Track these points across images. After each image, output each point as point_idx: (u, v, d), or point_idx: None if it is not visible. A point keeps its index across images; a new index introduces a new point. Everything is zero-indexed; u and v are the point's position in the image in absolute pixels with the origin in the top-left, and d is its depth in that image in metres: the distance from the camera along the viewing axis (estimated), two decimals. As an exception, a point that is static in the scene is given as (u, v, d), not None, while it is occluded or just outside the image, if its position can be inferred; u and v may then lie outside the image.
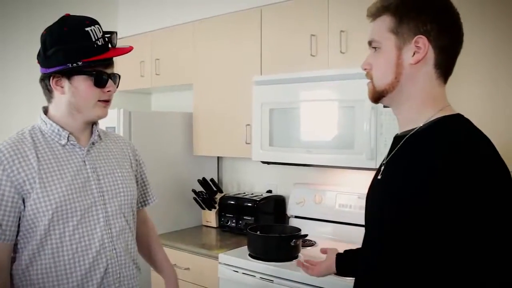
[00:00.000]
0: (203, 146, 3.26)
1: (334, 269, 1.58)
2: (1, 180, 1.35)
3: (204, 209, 3.28)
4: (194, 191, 3.22)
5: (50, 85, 1.43)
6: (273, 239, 2.51)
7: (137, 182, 1.72)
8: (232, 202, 3.11)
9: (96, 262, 1.45)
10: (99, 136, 1.58)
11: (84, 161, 1.49)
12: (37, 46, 1.42)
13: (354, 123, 2.35)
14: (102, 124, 3.13)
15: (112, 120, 2.97)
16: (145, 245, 1.82)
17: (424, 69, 1.09)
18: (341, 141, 2.42)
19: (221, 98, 3.09)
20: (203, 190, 3.23)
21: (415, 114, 1.11)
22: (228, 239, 2.97)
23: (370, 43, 1.16)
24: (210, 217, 3.27)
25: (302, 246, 2.52)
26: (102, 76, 1.44)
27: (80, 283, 1.42)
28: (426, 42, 1.06)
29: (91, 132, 1.55)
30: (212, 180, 3.27)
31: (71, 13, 1.46)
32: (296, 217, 2.97)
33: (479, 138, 1.04)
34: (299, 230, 2.54)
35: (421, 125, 1.10)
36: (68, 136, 1.46)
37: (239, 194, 3.21)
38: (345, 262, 1.55)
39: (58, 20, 1.44)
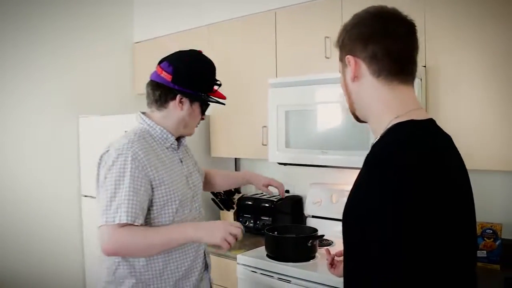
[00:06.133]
0: (221, 148, 3.30)
1: None
2: (143, 176, 1.63)
3: (222, 209, 3.33)
4: (212, 192, 3.27)
5: (171, 98, 1.76)
6: (290, 240, 2.54)
7: None
8: (249, 203, 3.16)
9: (200, 245, 1.85)
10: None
11: (181, 161, 1.84)
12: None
13: (369, 124, 2.36)
14: (123, 129, 3.20)
15: (131, 124, 3.02)
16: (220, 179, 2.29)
17: (364, 81, 1.14)
18: (356, 142, 2.44)
19: (237, 100, 3.13)
20: (221, 191, 3.27)
21: (377, 125, 1.13)
22: (247, 239, 3.00)
23: None
24: (228, 217, 3.32)
25: (319, 246, 2.55)
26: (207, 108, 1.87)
27: (193, 258, 1.81)
28: (352, 59, 1.14)
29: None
30: (229, 181, 3.31)
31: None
32: (313, 216, 3.00)
33: (402, 147, 1.02)
34: (316, 230, 2.57)
35: (379, 137, 1.11)
36: (173, 141, 1.81)
37: (256, 194, 3.25)
38: None
39: (198, 55, 1.84)
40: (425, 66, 2.30)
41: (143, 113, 1.84)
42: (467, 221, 1.11)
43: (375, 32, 1.12)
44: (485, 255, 2.31)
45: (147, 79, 3.77)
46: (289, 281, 2.36)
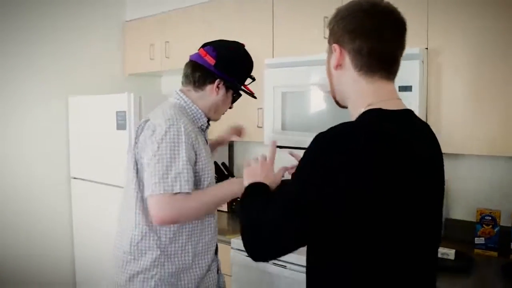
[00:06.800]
0: (215, 130, 3.22)
1: None
2: (191, 148, 1.68)
3: (215, 193, 3.27)
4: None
5: (210, 82, 1.80)
6: (286, 225, 2.49)
7: None
8: (243, 186, 3.09)
9: (217, 225, 1.92)
10: None
11: (206, 141, 1.89)
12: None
13: (368, 107, 2.31)
14: (113, 109, 3.12)
15: (122, 105, 2.95)
16: None
17: (346, 72, 1.17)
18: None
19: (232, 81, 3.06)
20: (215, 175, 3.20)
21: (353, 112, 1.18)
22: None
23: None
24: (222, 201, 3.26)
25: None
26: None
27: (212, 236, 1.85)
28: (338, 48, 1.16)
29: None
30: (223, 164, 3.25)
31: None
32: (308, 201, 2.95)
33: (353, 129, 1.07)
34: (312, 215, 2.52)
35: None
36: (204, 122, 1.86)
37: (250, 178, 3.18)
38: None
39: (242, 47, 1.90)
40: (427, 48, 2.24)
41: (182, 91, 1.88)
42: (428, 209, 1.13)
43: (364, 28, 1.13)
44: (483, 242, 2.28)
45: (138, 59, 3.72)
46: (284, 266, 2.32)
